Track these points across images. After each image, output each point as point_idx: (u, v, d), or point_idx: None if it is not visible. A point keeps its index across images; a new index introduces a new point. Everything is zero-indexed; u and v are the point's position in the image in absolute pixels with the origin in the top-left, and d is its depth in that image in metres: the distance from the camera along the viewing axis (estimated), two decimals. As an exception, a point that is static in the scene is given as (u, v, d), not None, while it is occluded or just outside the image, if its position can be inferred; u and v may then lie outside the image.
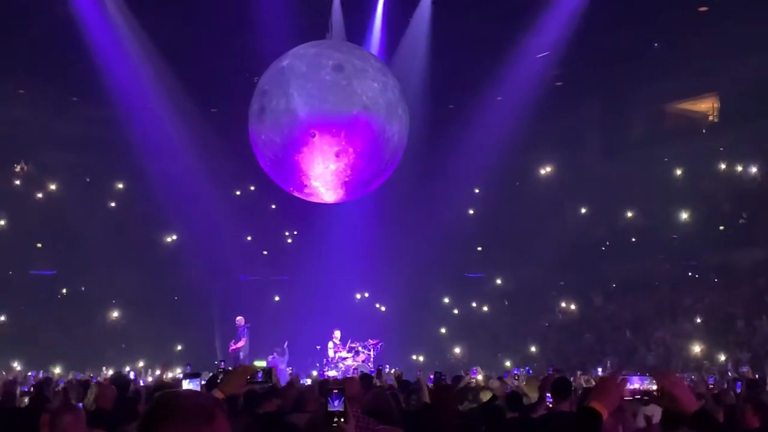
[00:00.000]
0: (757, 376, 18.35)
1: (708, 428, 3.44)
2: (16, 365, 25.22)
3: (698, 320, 25.92)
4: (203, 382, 10.35)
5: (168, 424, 2.56)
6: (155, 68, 26.11)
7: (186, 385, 9.81)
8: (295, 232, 33.31)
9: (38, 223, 29.63)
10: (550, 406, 8.30)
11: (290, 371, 21.55)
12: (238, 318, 24.14)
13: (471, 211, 33.01)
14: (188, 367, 21.34)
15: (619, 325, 27.92)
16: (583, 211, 31.73)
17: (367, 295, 32.79)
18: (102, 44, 25.43)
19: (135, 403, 9.90)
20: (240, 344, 23.67)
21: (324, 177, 17.23)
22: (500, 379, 14.43)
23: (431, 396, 8.50)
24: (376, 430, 4.48)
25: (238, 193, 33.18)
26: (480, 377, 17.21)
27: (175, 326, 28.84)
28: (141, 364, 26.51)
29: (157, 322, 28.47)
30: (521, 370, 21.35)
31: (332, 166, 16.95)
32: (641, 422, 8.87)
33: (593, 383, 13.87)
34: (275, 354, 24.01)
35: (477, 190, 31.40)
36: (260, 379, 5.19)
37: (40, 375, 20.50)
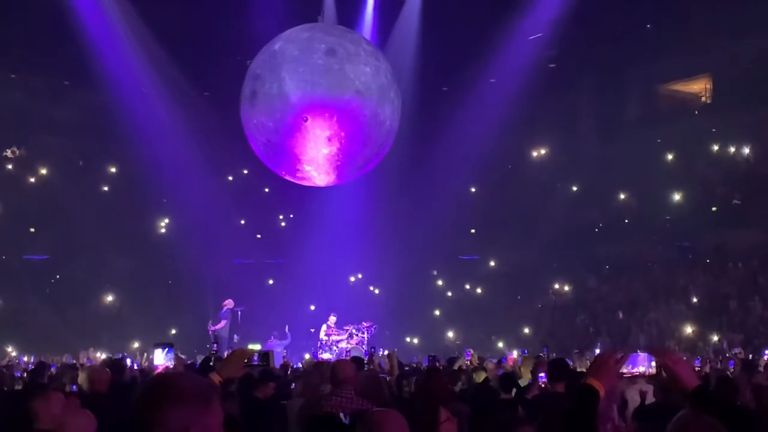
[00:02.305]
0: (751, 356, 18.46)
1: (707, 405, 3.46)
2: (11, 350, 25.20)
3: (691, 301, 26.01)
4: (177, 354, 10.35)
5: (165, 405, 2.55)
6: (147, 52, 26.04)
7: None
8: (291, 216, 33.28)
9: (31, 208, 29.52)
10: (543, 386, 8.37)
11: (284, 354, 21.61)
12: (227, 300, 24.15)
13: (465, 193, 32.99)
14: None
15: (612, 306, 28.03)
16: (577, 192, 31.74)
17: (360, 277, 32.81)
18: (94, 28, 25.33)
19: (133, 387, 9.93)
20: (219, 326, 23.70)
21: (316, 161, 17.22)
22: (499, 363, 14.45)
23: (423, 379, 8.52)
24: (371, 411, 4.49)
25: (230, 178, 33.13)
26: (474, 359, 17.29)
27: (169, 310, 28.86)
28: (136, 345, 26.53)
29: (151, 306, 28.46)
30: (515, 352, 21.43)
31: (325, 150, 16.94)
32: (636, 399, 8.93)
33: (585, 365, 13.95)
34: (273, 337, 24.06)
35: (471, 173, 31.36)
36: (257, 363, 5.18)
37: (32, 359, 20.51)
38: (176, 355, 11.19)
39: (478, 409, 7.99)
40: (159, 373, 2.75)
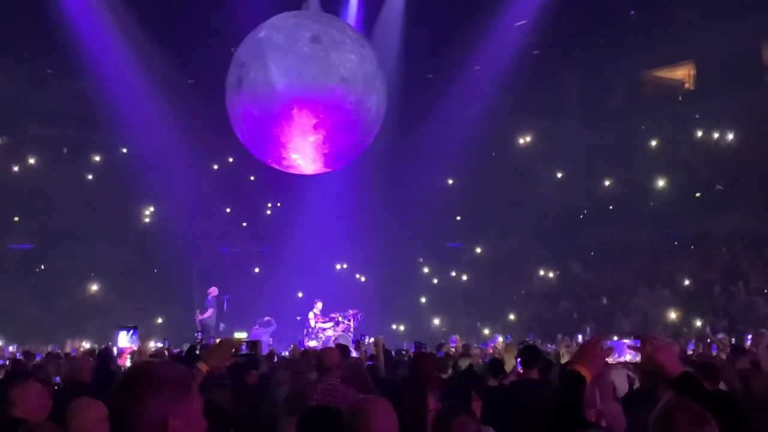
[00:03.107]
0: (733, 340, 18.58)
1: (692, 392, 3.49)
2: (-3, 339, 25.12)
3: (676, 287, 26.14)
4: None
5: (143, 394, 2.54)
6: (131, 39, 25.87)
7: (123, 336, 9.86)
8: (279, 204, 33.26)
9: (15, 197, 29.37)
10: (521, 372, 8.49)
11: (270, 342, 21.65)
12: (212, 288, 24.10)
13: (450, 181, 33.06)
14: (167, 342, 21.28)
15: (597, 292, 28.15)
16: (561, 179, 31.83)
17: (346, 266, 32.85)
18: (77, 16, 25.16)
19: (116, 376, 9.91)
20: (206, 315, 23.68)
21: (303, 149, 17.22)
22: (481, 349, 14.54)
23: (411, 365, 8.57)
24: (356, 398, 4.52)
25: (216, 166, 33.04)
26: (459, 345, 17.38)
27: (156, 299, 28.80)
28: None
29: (137, 295, 28.41)
30: (499, 338, 21.52)
31: (311, 138, 16.93)
32: (624, 386, 8.98)
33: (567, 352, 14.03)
34: (258, 326, 24.06)
35: (456, 160, 31.41)
36: (245, 352, 5.21)
37: (13, 348, 20.43)
38: (141, 336, 11.17)
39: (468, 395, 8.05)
40: (137, 363, 2.76)
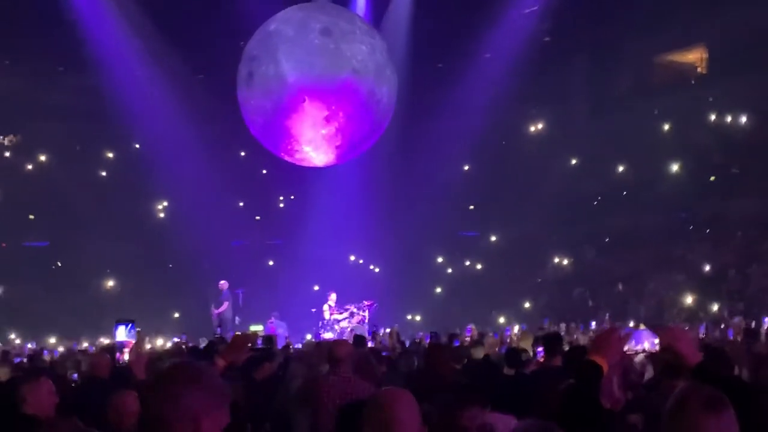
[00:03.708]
0: (753, 324, 18.48)
1: (709, 380, 3.47)
2: (13, 336, 25.27)
3: (691, 271, 26.05)
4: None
5: (193, 385, 2.59)
6: (141, 34, 25.88)
7: (122, 330, 9.86)
8: (292, 197, 33.28)
9: (30, 195, 29.53)
10: (541, 360, 8.43)
11: (287, 335, 21.68)
12: (222, 282, 24.12)
13: (463, 169, 32.96)
14: (183, 336, 21.37)
15: (611, 278, 28.07)
16: (574, 165, 31.73)
17: (360, 257, 32.85)
18: (87, 11, 25.20)
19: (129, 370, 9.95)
20: (222, 308, 23.68)
21: (315, 141, 17.23)
22: (494, 339, 14.50)
23: (425, 356, 8.57)
24: (380, 391, 4.51)
25: (228, 160, 33.02)
26: (474, 334, 17.36)
27: (171, 294, 28.90)
28: (138, 330, 26.51)
29: (152, 291, 28.49)
30: (516, 327, 21.54)
31: (323, 131, 16.95)
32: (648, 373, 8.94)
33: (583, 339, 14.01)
34: (274, 318, 24.06)
35: (467, 149, 31.34)
36: (261, 346, 5.23)
37: (32, 345, 20.58)
38: (138, 332, 11.19)
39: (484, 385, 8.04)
40: (193, 361, 2.80)
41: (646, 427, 5.43)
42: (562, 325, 21.34)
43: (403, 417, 3.51)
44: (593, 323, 22.41)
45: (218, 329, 21.83)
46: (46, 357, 15.40)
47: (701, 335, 14.72)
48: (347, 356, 7.08)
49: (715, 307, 23.42)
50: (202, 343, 15.71)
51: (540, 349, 8.62)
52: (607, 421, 3.55)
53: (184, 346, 14.89)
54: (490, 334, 17.68)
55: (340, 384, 6.80)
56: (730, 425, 3.12)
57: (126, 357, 11.01)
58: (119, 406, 5.38)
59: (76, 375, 10.54)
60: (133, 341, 9.44)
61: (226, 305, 23.64)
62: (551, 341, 8.23)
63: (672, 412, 3.19)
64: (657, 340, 3.77)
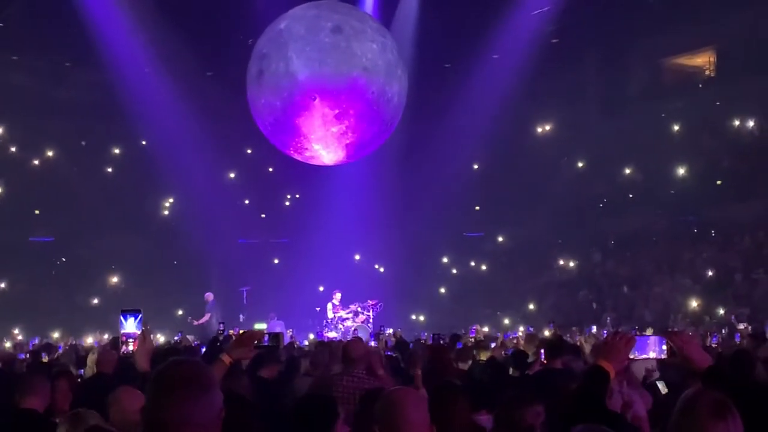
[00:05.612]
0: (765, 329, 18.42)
1: (720, 384, 3.47)
2: (17, 332, 25.30)
3: (697, 275, 25.98)
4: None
5: (210, 386, 2.66)
6: (150, 31, 25.88)
7: (131, 322, 9.81)
8: (297, 196, 33.29)
9: (36, 190, 29.55)
10: (544, 363, 8.57)
11: (290, 333, 21.69)
12: (207, 294, 24.32)
13: (470, 169, 32.89)
14: (179, 335, 21.38)
15: (617, 281, 28.01)
16: (581, 167, 31.69)
17: (365, 256, 32.83)
18: (96, 7, 25.21)
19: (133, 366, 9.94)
20: (203, 320, 23.84)
21: (325, 139, 17.22)
22: (502, 343, 14.43)
23: (428, 357, 8.60)
24: (390, 390, 4.49)
25: (234, 158, 33.04)
26: (480, 335, 17.31)
27: (176, 291, 28.93)
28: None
29: (157, 287, 28.49)
30: (521, 329, 21.50)
31: (333, 129, 16.94)
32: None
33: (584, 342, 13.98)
34: (275, 316, 24.11)
35: (475, 150, 31.32)
36: (267, 344, 5.21)
37: (35, 341, 20.58)
38: (144, 323, 11.15)
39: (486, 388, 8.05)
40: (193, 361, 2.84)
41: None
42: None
43: (413, 416, 3.53)
44: (594, 327, 22.29)
45: (221, 326, 21.86)
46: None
47: (714, 344, 14.63)
48: (361, 356, 7.10)
49: (721, 312, 23.35)
50: (194, 343, 15.81)
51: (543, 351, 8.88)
52: (613, 425, 3.53)
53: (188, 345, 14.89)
54: (500, 336, 17.72)
55: (354, 384, 6.81)
56: (738, 430, 3.12)
57: (131, 348, 10.99)
58: (121, 401, 5.37)
59: (82, 371, 10.54)
60: (139, 332, 9.42)
61: (207, 317, 23.79)
62: (552, 345, 8.65)
63: (679, 417, 3.19)
64: (665, 346, 3.77)
